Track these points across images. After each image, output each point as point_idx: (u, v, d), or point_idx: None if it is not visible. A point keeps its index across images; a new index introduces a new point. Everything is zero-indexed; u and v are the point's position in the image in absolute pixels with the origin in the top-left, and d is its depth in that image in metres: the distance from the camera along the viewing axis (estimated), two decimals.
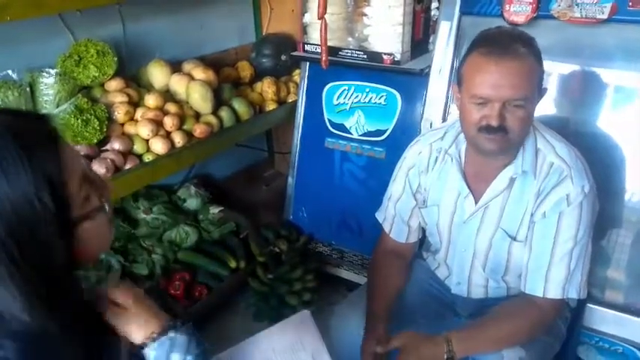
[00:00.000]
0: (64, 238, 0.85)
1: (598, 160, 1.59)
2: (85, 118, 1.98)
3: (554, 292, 1.49)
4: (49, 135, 0.85)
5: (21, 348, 0.84)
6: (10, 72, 1.96)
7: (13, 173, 0.79)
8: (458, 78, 1.48)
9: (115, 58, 2.19)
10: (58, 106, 2.00)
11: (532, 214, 1.51)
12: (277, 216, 2.87)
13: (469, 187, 1.58)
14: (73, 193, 0.86)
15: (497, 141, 1.40)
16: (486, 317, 1.54)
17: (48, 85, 1.98)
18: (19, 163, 0.79)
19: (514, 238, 1.56)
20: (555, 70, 1.92)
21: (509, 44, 1.36)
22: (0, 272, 0.79)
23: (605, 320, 1.94)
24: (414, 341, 1.48)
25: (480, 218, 1.59)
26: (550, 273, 1.49)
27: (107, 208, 0.93)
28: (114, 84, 2.23)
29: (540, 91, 1.42)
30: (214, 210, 2.74)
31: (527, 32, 1.44)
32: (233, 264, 2.52)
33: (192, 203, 2.74)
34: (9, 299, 0.81)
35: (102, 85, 2.23)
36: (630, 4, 1.73)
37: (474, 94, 1.39)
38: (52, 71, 2.01)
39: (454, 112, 2.14)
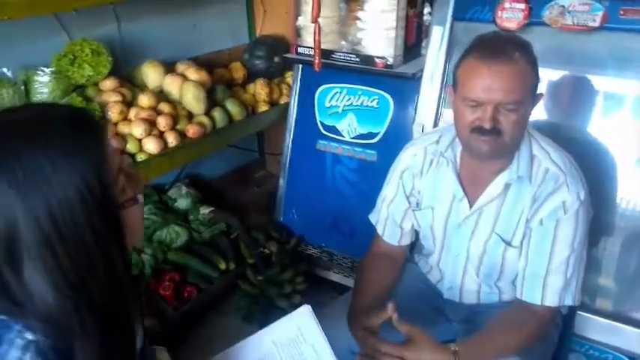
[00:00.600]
0: (106, 225, 0.87)
1: (588, 167, 1.60)
2: None
3: (551, 300, 1.49)
4: (97, 126, 0.90)
5: (49, 333, 0.85)
6: (5, 70, 1.97)
7: (66, 157, 0.82)
8: (453, 80, 1.49)
9: (110, 58, 2.20)
10: None
11: (528, 220, 1.52)
12: (268, 217, 2.88)
13: (464, 191, 1.58)
14: (112, 182, 0.89)
15: (490, 143, 1.41)
16: (489, 328, 1.51)
17: (43, 84, 1.99)
18: (71, 149, 0.83)
19: (509, 244, 1.56)
20: (547, 77, 1.94)
21: (503, 48, 1.38)
22: (37, 259, 0.81)
23: (595, 328, 1.94)
24: (424, 341, 1.40)
25: (474, 222, 1.59)
26: (547, 281, 1.49)
27: (140, 199, 0.97)
28: (108, 83, 2.24)
29: (535, 97, 1.44)
30: (205, 210, 2.73)
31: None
32: (223, 265, 2.51)
33: (182, 203, 2.74)
34: (40, 282, 0.82)
35: (96, 84, 2.23)
36: (621, 12, 1.75)
37: (467, 97, 1.40)
38: (47, 70, 2.02)
39: (446, 116, 2.16)
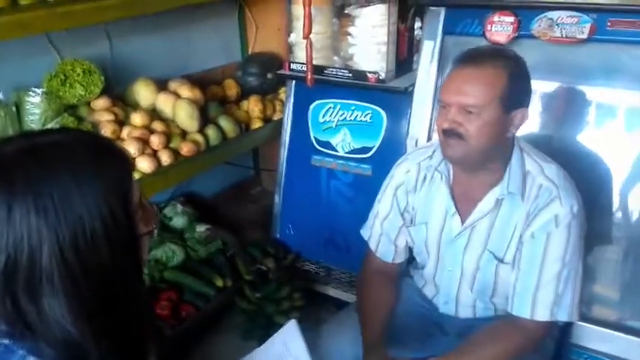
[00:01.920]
0: (128, 255, 0.88)
1: (581, 178, 1.60)
2: None
3: (541, 315, 1.48)
4: (122, 156, 0.91)
5: (57, 357, 0.84)
6: None
7: (93, 186, 0.83)
8: None
9: (102, 77, 2.20)
10: (44, 126, 1.99)
11: (521, 236, 1.51)
12: (264, 234, 2.87)
13: (456, 206, 1.58)
14: (135, 213, 0.90)
15: (452, 146, 1.44)
16: (472, 340, 1.53)
17: (34, 105, 1.98)
18: (99, 177, 0.84)
19: (501, 260, 1.55)
20: (537, 89, 1.94)
21: (478, 56, 1.43)
22: (58, 289, 0.80)
23: (593, 337, 1.93)
24: None
25: (467, 238, 1.59)
26: (537, 295, 1.48)
27: (155, 234, 0.98)
28: (100, 103, 2.23)
29: (509, 107, 1.41)
30: (201, 228, 2.72)
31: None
32: (220, 283, 2.50)
33: (178, 221, 2.73)
34: (59, 309, 0.81)
35: (88, 103, 2.23)
36: (609, 24, 1.77)
37: (439, 99, 1.47)
38: (39, 90, 2.01)
39: None
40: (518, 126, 1.47)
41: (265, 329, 2.39)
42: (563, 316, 1.49)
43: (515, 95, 1.43)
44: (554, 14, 1.84)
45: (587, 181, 1.64)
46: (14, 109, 1.97)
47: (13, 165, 0.80)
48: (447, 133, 1.42)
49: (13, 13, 1.72)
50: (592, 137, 1.91)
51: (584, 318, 1.91)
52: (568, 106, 1.95)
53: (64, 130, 0.91)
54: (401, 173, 1.70)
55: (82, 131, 0.91)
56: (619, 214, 1.89)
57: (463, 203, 1.58)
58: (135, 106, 2.39)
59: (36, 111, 1.98)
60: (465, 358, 1.50)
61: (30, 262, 0.79)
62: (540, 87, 1.94)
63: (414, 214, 1.69)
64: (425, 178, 1.65)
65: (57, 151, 0.83)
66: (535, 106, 1.96)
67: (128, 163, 0.92)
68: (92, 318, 0.83)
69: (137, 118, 2.24)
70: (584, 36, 1.81)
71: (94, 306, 0.84)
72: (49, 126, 1.99)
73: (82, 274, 0.82)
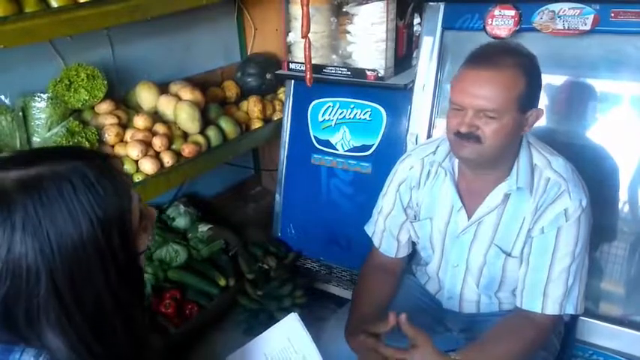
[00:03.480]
0: (125, 283, 0.88)
1: (587, 171, 1.59)
2: (76, 140, 2.00)
3: (552, 309, 1.49)
4: (123, 184, 0.90)
5: None
6: (2, 97, 2.00)
7: (87, 218, 0.82)
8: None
9: (105, 82, 2.22)
10: (49, 130, 2.02)
11: (529, 230, 1.51)
12: (265, 233, 2.88)
13: (462, 201, 1.58)
14: (133, 236, 0.91)
15: (469, 148, 1.42)
16: (489, 336, 1.51)
17: (40, 110, 2.01)
18: (94, 209, 0.83)
19: (509, 254, 1.55)
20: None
21: (493, 56, 1.39)
22: (51, 314, 0.81)
23: (598, 333, 1.93)
24: (427, 347, 1.39)
25: (473, 233, 1.59)
26: (548, 289, 1.48)
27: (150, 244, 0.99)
28: (104, 106, 2.26)
29: (525, 108, 1.41)
30: (203, 228, 2.74)
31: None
32: (222, 282, 2.53)
33: (181, 222, 2.75)
34: (54, 341, 0.82)
35: (92, 107, 2.25)
36: (612, 15, 1.76)
37: (452, 101, 1.43)
38: (44, 96, 2.04)
39: (439, 126, 2.18)
40: (532, 124, 1.46)
41: (267, 326, 2.39)
42: (570, 309, 1.50)
43: (531, 95, 1.42)
44: (555, 6, 1.82)
45: (592, 176, 1.63)
46: (20, 114, 1.99)
47: (13, 200, 0.80)
48: (463, 136, 1.41)
49: (19, 21, 1.74)
50: (596, 130, 1.90)
51: (590, 314, 1.91)
52: (572, 99, 1.94)
53: (65, 154, 0.89)
54: (404, 169, 1.70)
55: (81, 155, 0.89)
56: (625, 209, 1.89)
57: (469, 198, 1.58)
58: (137, 109, 2.41)
59: (42, 116, 2.01)
60: (485, 354, 1.48)
61: (28, 294, 0.80)
62: (543, 80, 1.95)
63: (417, 210, 1.69)
64: (429, 173, 1.65)
65: (54, 185, 0.82)
66: (540, 101, 1.96)
67: (127, 189, 0.90)
68: (90, 347, 0.85)
69: (139, 121, 2.27)
70: (587, 27, 1.79)
71: (91, 337, 0.85)
72: (55, 130, 2.01)
73: (77, 308, 0.83)
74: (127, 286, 0.89)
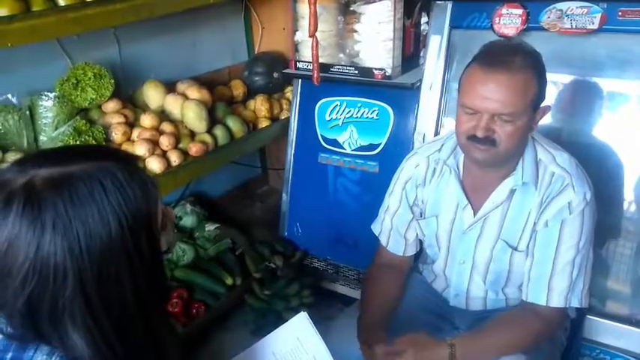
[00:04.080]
0: (151, 286, 0.89)
1: (593, 169, 1.60)
2: (83, 139, 2.00)
3: (556, 301, 1.49)
4: (150, 186, 0.91)
5: None
6: (9, 96, 2.00)
7: (116, 219, 0.83)
8: (458, 86, 1.50)
9: (112, 81, 2.22)
10: (56, 129, 2.02)
11: (534, 224, 1.52)
12: (272, 232, 2.88)
13: (467, 198, 1.59)
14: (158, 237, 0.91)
15: (484, 152, 1.42)
16: (489, 324, 1.54)
17: (47, 109, 2.01)
18: (123, 210, 0.84)
19: (515, 249, 1.56)
20: (548, 81, 1.94)
21: (505, 57, 1.37)
22: (77, 315, 0.82)
23: (605, 332, 1.93)
24: (417, 342, 1.45)
25: (479, 229, 1.59)
26: (553, 282, 1.49)
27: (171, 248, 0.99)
28: (111, 105, 2.26)
29: (538, 108, 1.42)
30: (210, 227, 2.74)
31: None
32: (229, 281, 2.53)
33: (188, 221, 2.76)
34: (79, 342, 0.83)
35: (99, 106, 2.26)
36: (620, 14, 1.76)
37: (465, 104, 1.41)
38: (51, 95, 2.04)
39: (446, 125, 2.17)
40: (539, 120, 1.48)
41: (274, 326, 2.40)
42: (575, 302, 1.50)
43: (541, 94, 1.43)
44: (563, 5, 1.83)
45: (598, 174, 1.63)
46: (27, 113, 2.00)
47: (43, 198, 0.80)
48: (477, 140, 1.40)
49: (26, 20, 1.74)
50: (603, 129, 1.90)
51: (597, 312, 1.91)
52: (579, 98, 1.94)
53: (95, 153, 0.88)
54: (410, 167, 1.70)
55: (112, 155, 0.88)
56: (632, 208, 1.89)
57: (474, 195, 1.59)
58: (144, 108, 2.41)
59: (49, 114, 2.01)
60: (483, 340, 1.51)
61: (54, 294, 0.80)
62: (551, 79, 1.93)
63: (423, 208, 1.70)
64: (434, 171, 1.66)
65: (85, 185, 0.82)
66: (546, 99, 1.96)
67: (153, 191, 0.91)
68: (113, 348, 0.85)
69: (147, 120, 2.27)
70: (595, 26, 1.79)
71: (115, 337, 0.85)
72: (62, 129, 2.02)
73: (103, 308, 0.83)
74: (152, 288, 0.89)
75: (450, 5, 2.09)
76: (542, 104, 1.45)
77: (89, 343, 0.82)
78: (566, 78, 1.95)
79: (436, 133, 2.17)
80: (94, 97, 2.16)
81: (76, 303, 0.80)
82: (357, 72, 2.39)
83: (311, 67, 2.39)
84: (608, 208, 1.83)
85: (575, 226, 1.47)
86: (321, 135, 2.64)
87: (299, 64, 2.55)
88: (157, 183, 0.93)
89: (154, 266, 0.90)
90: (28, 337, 0.84)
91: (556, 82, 1.95)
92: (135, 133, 2.23)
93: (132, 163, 0.91)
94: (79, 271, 0.80)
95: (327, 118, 2.60)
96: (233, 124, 2.57)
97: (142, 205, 0.86)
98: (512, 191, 1.53)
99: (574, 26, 1.82)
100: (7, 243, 0.79)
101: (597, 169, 1.69)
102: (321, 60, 2.37)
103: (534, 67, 1.39)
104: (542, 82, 1.41)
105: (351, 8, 2.35)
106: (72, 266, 0.79)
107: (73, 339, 0.82)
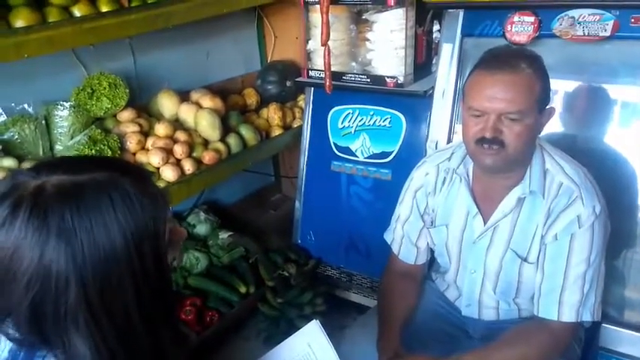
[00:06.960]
0: (155, 296, 0.89)
1: (606, 177, 1.58)
2: (98, 148, 2.02)
3: (568, 316, 1.47)
4: (159, 198, 0.91)
5: None
6: (25, 106, 2.03)
7: (121, 230, 0.83)
8: (462, 93, 1.51)
9: (127, 90, 2.25)
10: (72, 138, 2.05)
11: (542, 236, 1.50)
12: (285, 240, 2.89)
13: (478, 207, 1.58)
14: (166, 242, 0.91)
15: (493, 154, 1.41)
16: (499, 341, 1.52)
17: (63, 118, 2.04)
18: (129, 222, 0.84)
19: (525, 260, 1.55)
20: (560, 88, 1.94)
21: (508, 59, 1.40)
22: (80, 321, 0.82)
23: (622, 340, 1.91)
24: None
25: (489, 238, 1.58)
26: (564, 296, 1.47)
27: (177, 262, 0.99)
28: (126, 115, 2.29)
29: (543, 109, 1.43)
30: (224, 235, 2.75)
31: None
32: (243, 289, 2.53)
33: (201, 229, 2.77)
34: (81, 348, 0.83)
35: (114, 115, 2.28)
36: (632, 20, 1.75)
37: (471, 107, 1.42)
38: (67, 104, 2.07)
39: (459, 132, 2.16)
40: (545, 123, 1.48)
41: (287, 334, 2.39)
42: (587, 316, 1.48)
43: (545, 96, 1.44)
44: (575, 12, 1.82)
45: (612, 182, 1.62)
46: (43, 122, 2.03)
47: (50, 206, 0.81)
48: (488, 142, 1.40)
49: (42, 31, 1.77)
50: (617, 137, 1.89)
51: (613, 321, 1.89)
52: (592, 106, 1.93)
53: (108, 165, 0.89)
54: (420, 176, 1.71)
55: (124, 169, 0.89)
56: None
57: (484, 203, 1.58)
58: (158, 117, 2.43)
59: (64, 124, 2.04)
60: (492, 357, 1.50)
61: (56, 300, 0.81)
62: (564, 86, 1.93)
63: (434, 216, 1.69)
64: (444, 180, 1.66)
65: (93, 196, 0.83)
66: (559, 107, 1.94)
67: (163, 208, 0.91)
68: (114, 355, 0.85)
69: (161, 129, 2.29)
70: (607, 33, 1.78)
71: (117, 345, 0.85)
72: (77, 138, 2.04)
73: (106, 317, 0.83)
74: (156, 302, 0.90)
75: (461, 13, 2.09)
76: (547, 107, 1.46)
77: (92, 350, 0.83)
78: (580, 85, 1.94)
79: (449, 141, 2.17)
80: (109, 106, 2.18)
81: (79, 310, 0.81)
82: (369, 80, 2.39)
83: (323, 76, 2.40)
84: (623, 216, 1.81)
85: (585, 239, 1.45)
86: (334, 143, 2.64)
87: (311, 73, 2.57)
88: (169, 199, 0.94)
89: (159, 280, 0.90)
90: (34, 342, 0.85)
91: (569, 89, 1.94)
92: (149, 142, 2.25)
93: (145, 178, 0.92)
94: (81, 279, 0.80)
95: (340, 126, 2.61)
96: (246, 132, 2.59)
97: (149, 221, 0.87)
98: (521, 200, 1.52)
99: (586, 33, 1.81)
100: (13, 247, 0.80)
101: (611, 177, 1.68)
102: (333, 68, 2.38)
103: (537, 69, 1.41)
104: (545, 84, 1.43)
105: (364, 17, 2.36)
106: (74, 274, 0.80)
107: (76, 345, 0.83)
